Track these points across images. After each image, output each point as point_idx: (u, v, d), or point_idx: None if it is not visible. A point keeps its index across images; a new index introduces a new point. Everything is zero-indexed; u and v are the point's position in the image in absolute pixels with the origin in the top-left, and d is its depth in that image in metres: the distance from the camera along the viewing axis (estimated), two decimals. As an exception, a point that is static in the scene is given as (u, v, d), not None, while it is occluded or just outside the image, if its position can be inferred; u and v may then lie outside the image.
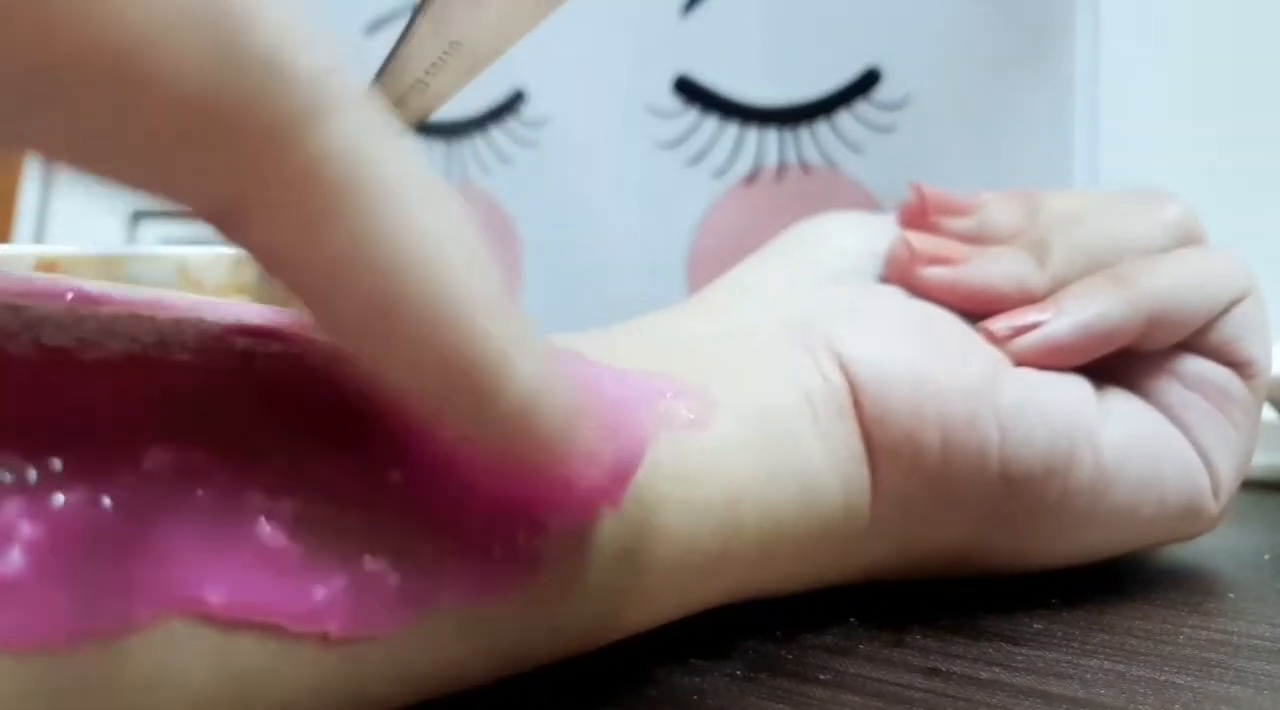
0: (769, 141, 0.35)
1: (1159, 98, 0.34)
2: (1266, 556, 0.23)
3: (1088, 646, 0.17)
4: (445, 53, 0.15)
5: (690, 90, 0.36)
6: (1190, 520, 0.20)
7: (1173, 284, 0.20)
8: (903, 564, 0.19)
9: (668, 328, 0.19)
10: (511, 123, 0.39)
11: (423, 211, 0.10)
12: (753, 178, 0.35)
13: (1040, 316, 0.19)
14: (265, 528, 0.11)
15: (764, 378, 0.17)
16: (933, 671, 0.16)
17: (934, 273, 0.20)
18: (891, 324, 0.19)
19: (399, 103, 0.16)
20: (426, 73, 0.15)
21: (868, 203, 0.34)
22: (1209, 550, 0.23)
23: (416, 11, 0.14)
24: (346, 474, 0.12)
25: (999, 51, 0.31)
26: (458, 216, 0.10)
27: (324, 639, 0.11)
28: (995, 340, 0.19)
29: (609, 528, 0.14)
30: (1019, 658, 0.17)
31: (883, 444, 0.18)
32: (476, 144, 0.39)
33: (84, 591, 0.09)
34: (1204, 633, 0.18)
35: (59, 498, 0.10)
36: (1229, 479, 0.20)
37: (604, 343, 0.18)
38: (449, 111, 0.39)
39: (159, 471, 0.10)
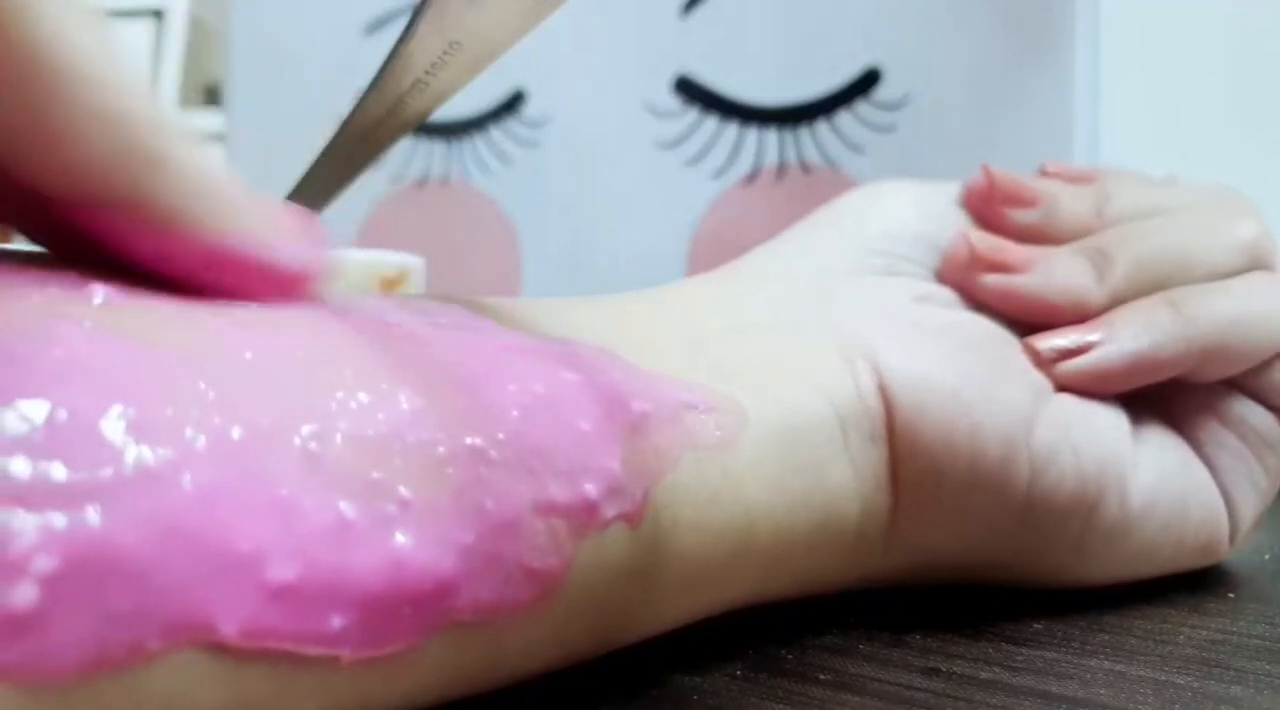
0: (769, 141, 0.35)
1: (1159, 98, 0.34)
2: (1266, 556, 0.23)
3: (1088, 646, 0.17)
4: (445, 53, 0.15)
5: (690, 90, 0.36)
6: (1200, 558, 0.20)
7: (1233, 319, 0.19)
8: (911, 576, 0.19)
9: (704, 313, 0.18)
10: (511, 123, 0.39)
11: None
12: (753, 178, 0.35)
13: (1090, 338, 0.18)
14: (278, 561, 0.10)
15: (797, 392, 0.17)
16: (933, 671, 0.16)
17: (993, 281, 0.19)
18: (938, 342, 0.18)
19: (399, 103, 0.16)
20: (426, 73, 0.15)
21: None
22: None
23: (416, 11, 0.14)
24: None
25: (999, 52, 0.31)
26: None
27: (336, 662, 0.11)
28: (1040, 362, 0.18)
29: (625, 547, 0.14)
30: (1019, 658, 0.17)
31: (909, 473, 0.17)
32: (476, 144, 0.39)
33: (97, 623, 0.09)
34: (1204, 632, 0.18)
35: (74, 529, 0.09)
36: (1247, 522, 0.20)
37: (636, 328, 0.17)
38: (449, 111, 0.39)
39: (170, 500, 0.10)
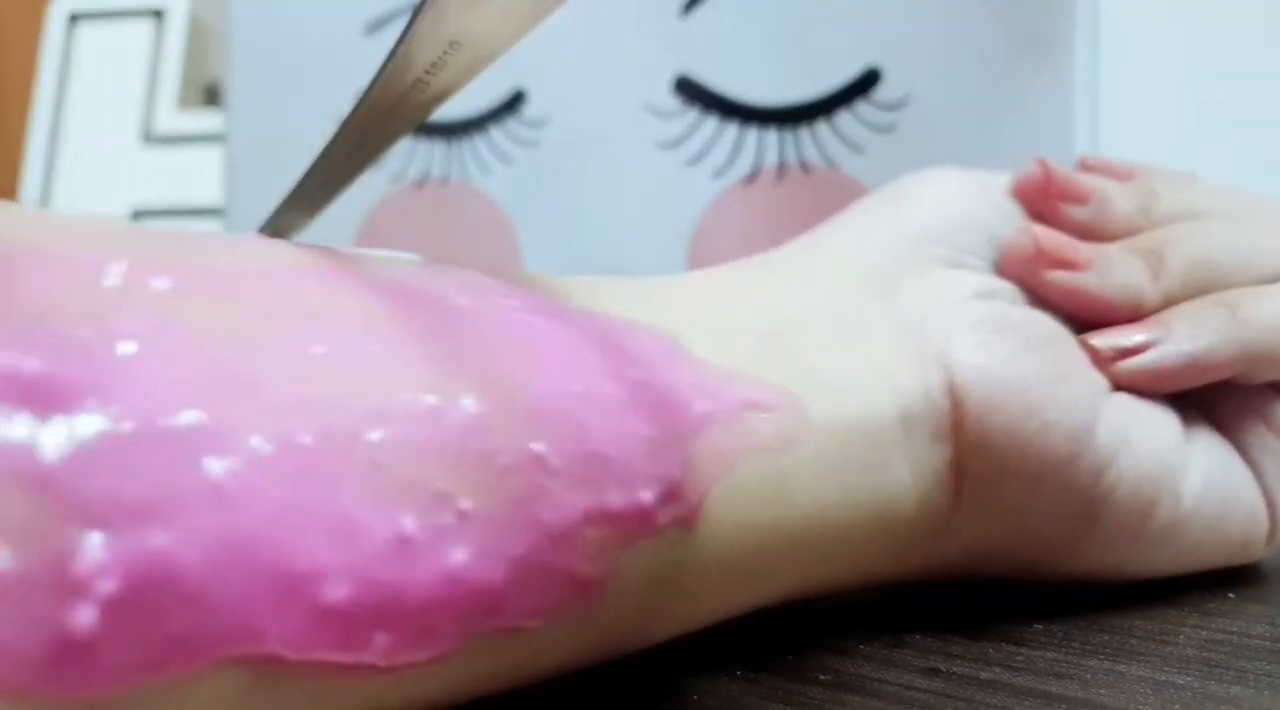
0: (769, 141, 0.35)
1: (1159, 99, 0.34)
2: (1269, 556, 0.23)
3: (1088, 646, 0.17)
4: (445, 53, 0.15)
5: (690, 90, 0.36)
6: (1238, 556, 0.20)
7: None
8: (962, 570, 0.19)
9: (772, 299, 0.18)
10: (511, 123, 0.39)
11: None
12: (753, 178, 0.35)
13: (1146, 338, 0.19)
14: (334, 580, 0.10)
15: (864, 390, 0.16)
16: (933, 671, 0.16)
17: (1057, 277, 0.19)
18: (1007, 339, 0.18)
19: (399, 103, 0.15)
20: (427, 72, 0.15)
21: (868, 203, 0.34)
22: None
23: (416, 11, 0.14)
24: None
25: (999, 51, 0.31)
26: None
27: (376, 669, 0.11)
28: (1098, 360, 0.19)
29: (676, 549, 0.14)
30: (1019, 658, 0.17)
31: (974, 471, 0.17)
32: (476, 144, 0.39)
33: (150, 644, 0.09)
34: (1204, 632, 0.18)
35: (139, 549, 0.09)
36: None
37: (705, 313, 0.16)
38: (449, 111, 0.39)
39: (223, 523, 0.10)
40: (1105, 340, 0.19)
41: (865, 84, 0.33)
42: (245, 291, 0.11)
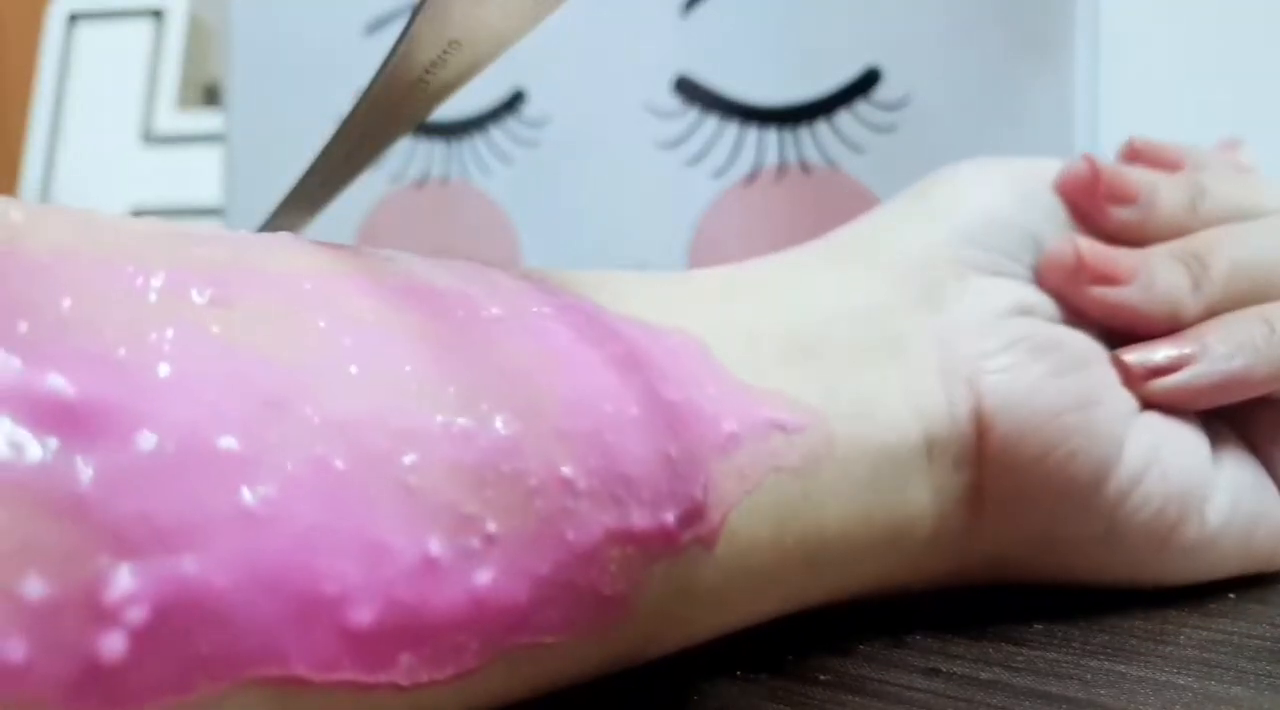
0: (769, 141, 0.35)
1: (1160, 98, 0.34)
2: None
3: (1088, 647, 0.17)
4: (445, 52, 0.14)
5: (690, 90, 0.36)
6: (1261, 568, 0.20)
7: None
8: (981, 580, 0.19)
9: (807, 301, 0.17)
10: (511, 123, 0.39)
11: None
12: (753, 178, 0.35)
13: (1181, 353, 0.18)
14: (360, 603, 0.10)
15: (889, 412, 0.16)
16: (933, 672, 0.16)
17: (1099, 294, 0.18)
18: (1040, 361, 0.17)
19: (399, 102, 0.15)
20: (426, 72, 0.15)
21: (868, 203, 0.34)
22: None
23: (416, 11, 0.14)
24: None
25: (999, 52, 0.31)
26: None
27: (396, 688, 0.11)
28: (1130, 378, 0.18)
29: (697, 568, 0.14)
30: (1019, 658, 0.16)
31: (995, 495, 0.17)
32: (476, 144, 0.39)
33: (176, 667, 0.09)
34: (1205, 633, 0.18)
35: (170, 576, 0.09)
36: None
37: (738, 315, 0.16)
38: (449, 111, 0.39)
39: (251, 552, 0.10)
40: (1137, 357, 0.18)
41: (865, 84, 0.33)
42: (283, 304, 0.11)
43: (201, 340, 0.10)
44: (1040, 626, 0.18)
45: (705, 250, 0.36)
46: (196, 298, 0.11)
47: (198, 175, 0.63)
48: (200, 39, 0.69)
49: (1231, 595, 0.20)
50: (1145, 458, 0.18)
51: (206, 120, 0.66)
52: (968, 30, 0.32)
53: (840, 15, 0.33)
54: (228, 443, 0.10)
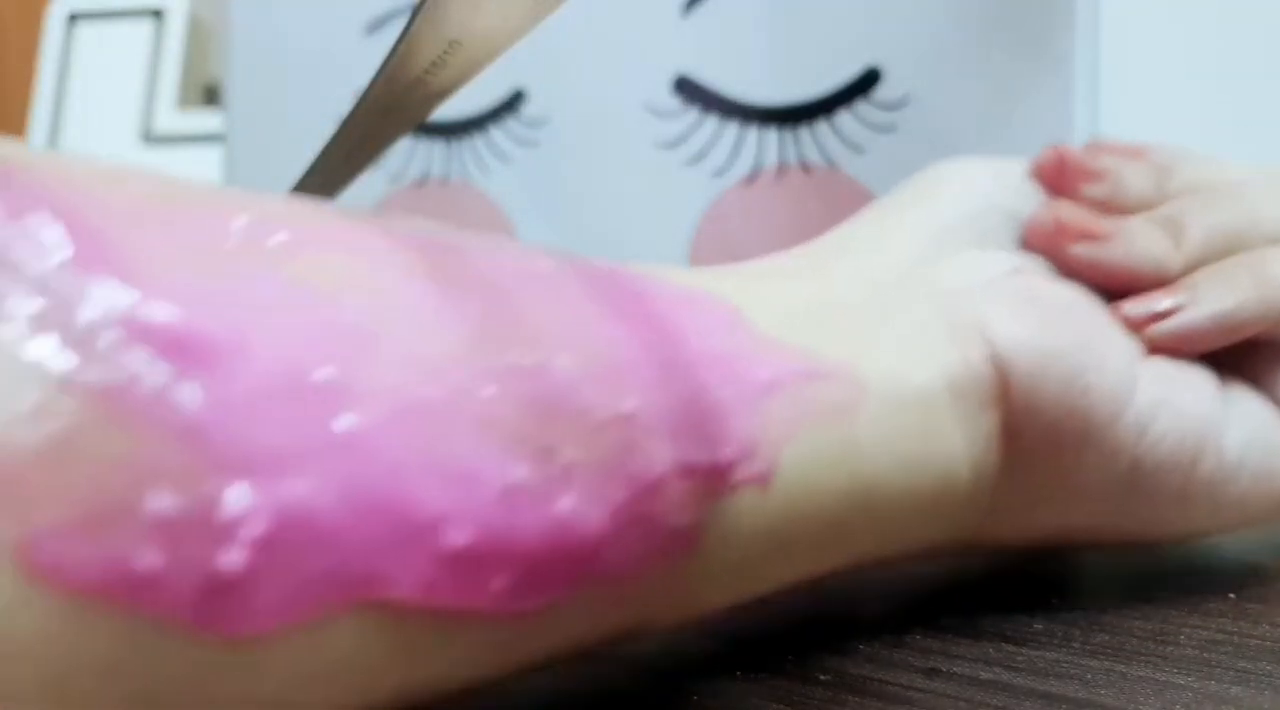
0: (769, 141, 0.35)
1: (1161, 97, 0.34)
2: (1268, 556, 0.23)
3: (1089, 647, 0.17)
4: (445, 52, 0.15)
5: (690, 90, 0.36)
6: None
7: None
8: (1015, 539, 0.19)
9: (806, 278, 0.18)
10: (511, 123, 0.39)
11: None
12: (753, 178, 0.35)
13: (1174, 302, 0.19)
14: (455, 526, 0.11)
15: (911, 359, 0.17)
16: (933, 672, 0.16)
17: (1081, 249, 0.19)
18: (1042, 309, 0.18)
19: (398, 102, 0.15)
20: (426, 72, 0.15)
21: (868, 203, 0.34)
22: (1210, 550, 0.23)
23: (416, 11, 0.14)
24: None
25: (1000, 52, 0.31)
26: None
27: (489, 617, 0.11)
28: (1131, 325, 0.19)
29: (756, 510, 0.14)
30: (1020, 658, 0.17)
31: (1022, 438, 0.18)
32: (476, 144, 0.39)
33: (291, 586, 0.10)
34: (1204, 633, 0.18)
35: (279, 497, 0.10)
36: None
37: (748, 286, 0.17)
38: (448, 111, 0.39)
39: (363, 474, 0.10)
40: (1137, 306, 0.19)
41: (865, 84, 0.33)
42: (352, 252, 0.12)
43: (285, 279, 0.11)
44: (1040, 626, 0.18)
45: (705, 250, 0.36)
46: (276, 241, 0.11)
47: (197, 175, 0.63)
48: (200, 39, 0.69)
49: (1231, 595, 0.20)
50: (1158, 395, 0.18)
51: (206, 120, 0.66)
52: (968, 30, 0.32)
53: (840, 15, 0.33)
54: (324, 373, 0.10)
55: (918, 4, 0.32)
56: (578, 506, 0.12)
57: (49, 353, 0.09)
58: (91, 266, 0.10)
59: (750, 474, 0.14)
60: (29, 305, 0.09)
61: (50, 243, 0.10)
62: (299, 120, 0.41)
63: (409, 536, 0.11)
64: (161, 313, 0.10)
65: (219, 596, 0.09)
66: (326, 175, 0.17)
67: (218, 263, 0.11)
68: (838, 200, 0.34)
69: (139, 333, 0.10)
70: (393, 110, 0.16)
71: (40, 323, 0.09)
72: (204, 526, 0.09)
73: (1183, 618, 0.18)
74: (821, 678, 0.16)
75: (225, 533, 0.09)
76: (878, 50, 0.33)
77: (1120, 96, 0.31)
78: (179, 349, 0.10)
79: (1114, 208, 0.21)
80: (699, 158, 0.36)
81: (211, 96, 0.68)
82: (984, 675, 0.16)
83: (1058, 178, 0.21)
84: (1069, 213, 0.20)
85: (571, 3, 0.15)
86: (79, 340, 0.09)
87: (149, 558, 0.09)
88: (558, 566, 0.12)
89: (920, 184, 0.21)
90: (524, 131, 0.39)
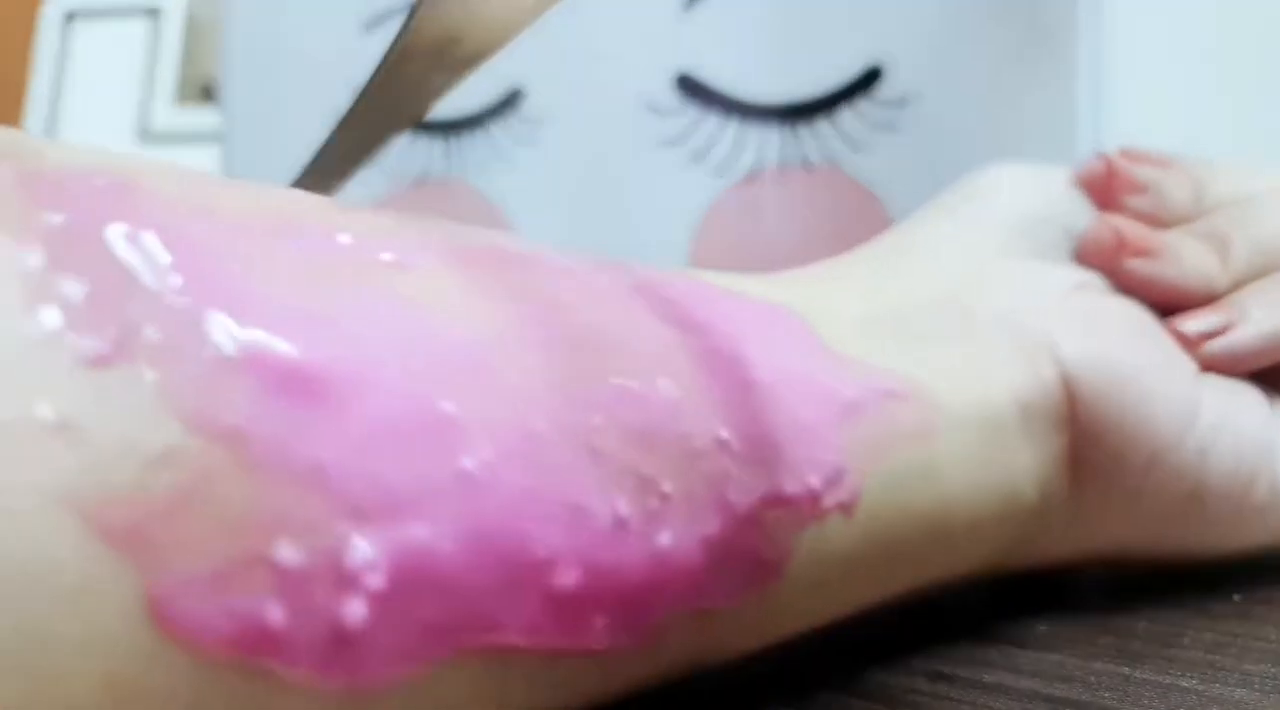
0: (770, 140, 0.34)
1: (1164, 93, 0.33)
2: (1274, 559, 0.23)
3: (1092, 649, 0.17)
4: (443, 49, 0.14)
5: (691, 88, 0.36)
6: None
7: None
8: (1078, 559, 0.19)
9: (866, 289, 0.18)
10: (511, 121, 0.39)
11: None
12: (754, 176, 0.35)
13: (1224, 320, 0.19)
14: (564, 567, 0.10)
15: (984, 380, 0.17)
16: (936, 675, 0.16)
17: (1138, 265, 0.19)
18: (1109, 328, 0.18)
19: (396, 99, 0.15)
20: (424, 69, 0.15)
21: (870, 202, 0.34)
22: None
23: (414, 7, 0.14)
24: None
25: (1001, 49, 0.31)
26: None
27: (590, 653, 0.11)
28: (1186, 343, 0.19)
29: (840, 536, 0.14)
30: (1023, 661, 0.16)
31: (1089, 459, 0.18)
32: (475, 142, 0.39)
33: (409, 635, 0.10)
34: (1210, 635, 0.18)
35: (404, 543, 0.09)
36: None
37: (811, 297, 0.17)
38: (447, 109, 0.39)
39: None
40: (1189, 324, 0.19)
41: (867, 82, 0.33)
42: (452, 270, 0.11)
43: (399, 302, 0.10)
44: (1045, 628, 0.18)
45: (706, 250, 0.36)
46: (384, 260, 0.11)
47: (195, 173, 0.63)
48: (197, 36, 0.69)
49: (1237, 597, 0.20)
50: (1218, 416, 0.19)
51: (203, 118, 0.66)
52: (969, 27, 0.31)
53: (841, 13, 0.33)
54: (446, 406, 0.10)
55: (919, 2, 0.32)
56: (678, 540, 0.11)
57: (174, 393, 0.09)
58: (207, 298, 0.09)
59: (837, 501, 0.14)
60: (150, 340, 0.09)
61: (165, 269, 0.09)
62: (297, 117, 0.41)
63: (521, 578, 0.10)
64: (281, 347, 0.09)
65: (341, 648, 0.09)
66: (324, 173, 0.17)
67: (332, 289, 0.10)
68: (839, 199, 0.34)
69: (260, 369, 0.09)
70: (391, 107, 0.16)
71: (162, 359, 0.09)
72: (330, 576, 0.09)
73: (1187, 620, 0.18)
74: (824, 680, 0.15)
75: (350, 582, 0.09)
76: (879, 48, 0.33)
77: (1124, 92, 0.31)
78: (300, 386, 0.09)
79: (1155, 220, 0.21)
80: (700, 156, 0.36)
81: (208, 94, 0.68)
82: (987, 678, 0.16)
83: (1105, 189, 0.21)
84: (1128, 227, 0.20)
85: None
86: (201, 379, 0.09)
87: (276, 612, 0.09)
88: (656, 601, 0.11)
89: (968, 191, 0.21)
90: (523, 130, 0.38)
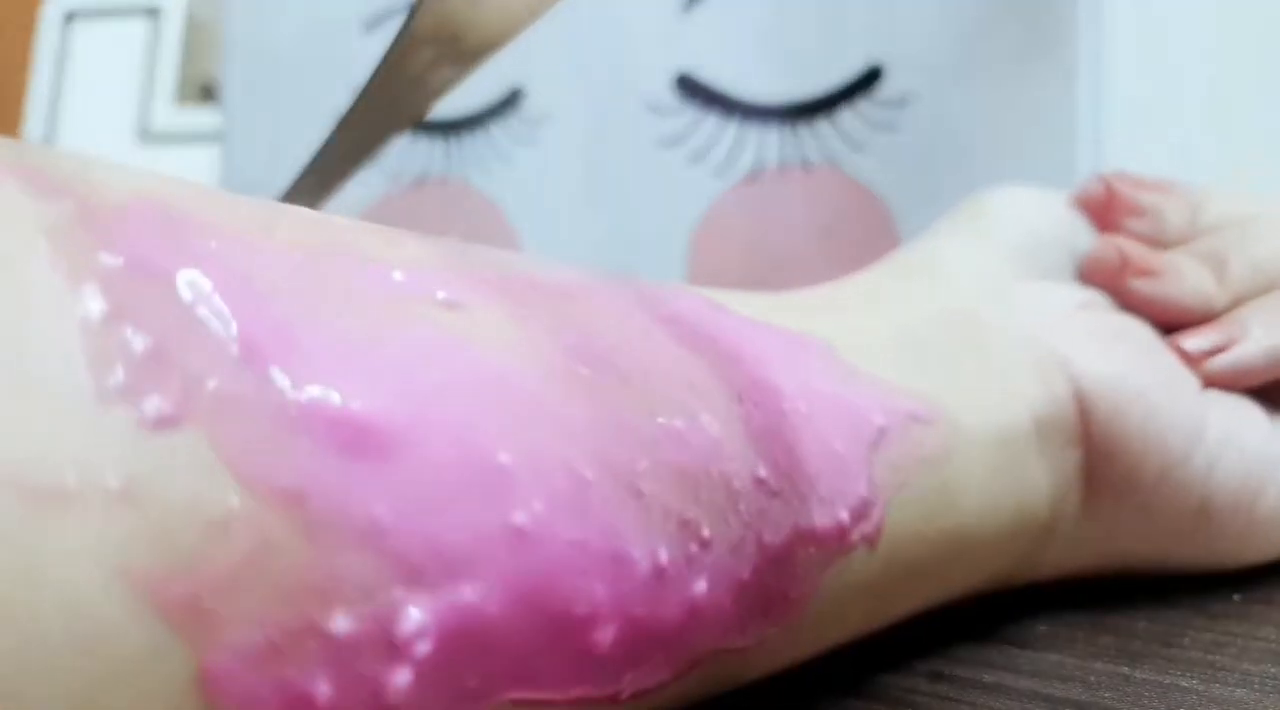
0: (770, 140, 0.34)
1: (1164, 94, 0.33)
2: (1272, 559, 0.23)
3: (1092, 649, 0.17)
4: (443, 48, 0.14)
5: (691, 88, 0.36)
6: None
7: None
8: (1089, 571, 0.19)
9: (879, 309, 0.18)
10: (511, 121, 0.39)
11: None
12: (754, 176, 0.35)
13: (1227, 336, 0.20)
14: (603, 622, 0.10)
15: (1002, 398, 0.17)
16: (936, 675, 0.16)
17: (1142, 285, 0.20)
18: (1118, 345, 0.19)
19: (396, 99, 0.15)
20: (424, 68, 0.15)
21: (869, 201, 0.34)
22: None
23: (414, 7, 0.14)
24: None
25: (1001, 49, 0.31)
26: None
27: (615, 700, 0.11)
28: (1189, 360, 0.19)
29: (864, 566, 0.14)
30: (1023, 660, 0.16)
31: (1100, 474, 0.18)
32: (475, 142, 0.39)
33: (447, 699, 0.09)
34: (1209, 635, 0.18)
35: (452, 607, 0.09)
36: None
37: (828, 318, 0.17)
38: (447, 108, 0.39)
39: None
40: (1192, 342, 0.20)
41: (867, 82, 0.33)
42: (500, 305, 0.11)
43: (453, 343, 0.10)
44: (1044, 628, 0.18)
45: (706, 250, 0.36)
46: (438, 298, 0.10)
47: (195, 173, 0.63)
48: (197, 36, 0.69)
49: (1236, 596, 0.20)
50: (1224, 431, 0.19)
51: (203, 118, 0.65)
52: (970, 28, 0.31)
53: (841, 13, 0.33)
54: (502, 458, 0.09)
55: (919, 2, 0.32)
56: (711, 588, 0.11)
57: (235, 453, 0.08)
58: (266, 348, 0.09)
59: (863, 535, 0.13)
60: (211, 395, 0.08)
61: (225, 316, 0.09)
62: (297, 118, 0.41)
63: (561, 636, 0.10)
64: (340, 399, 0.09)
65: None
66: (324, 173, 0.17)
67: (388, 333, 0.09)
68: (839, 199, 0.34)
69: (320, 424, 0.09)
70: (391, 107, 0.16)
71: (222, 416, 0.08)
72: (380, 646, 0.09)
73: (1187, 620, 0.18)
74: (823, 679, 0.15)
75: (399, 652, 0.09)
76: (879, 48, 0.33)
77: (1124, 94, 0.31)
78: (359, 438, 0.09)
79: (1153, 242, 0.21)
80: (700, 156, 0.36)
81: (208, 94, 0.68)
82: (987, 678, 0.16)
83: (1105, 211, 0.21)
84: (1131, 248, 0.20)
85: (571, -1, 0.15)
86: (261, 437, 0.08)
87: (324, 686, 0.08)
88: (685, 649, 0.11)
89: (973, 211, 0.21)
90: (523, 130, 0.38)
